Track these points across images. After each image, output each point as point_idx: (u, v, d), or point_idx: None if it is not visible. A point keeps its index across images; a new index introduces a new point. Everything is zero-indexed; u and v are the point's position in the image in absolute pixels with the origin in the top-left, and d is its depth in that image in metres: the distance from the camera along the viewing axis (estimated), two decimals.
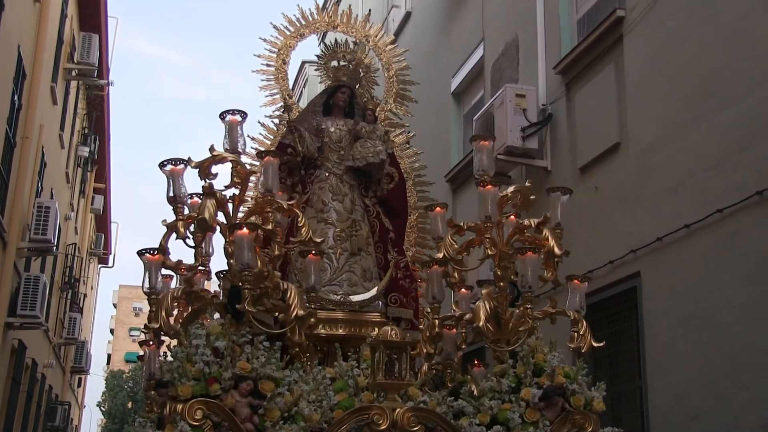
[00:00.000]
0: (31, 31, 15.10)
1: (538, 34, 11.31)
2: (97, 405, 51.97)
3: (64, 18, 18.38)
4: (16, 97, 14.05)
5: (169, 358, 6.47)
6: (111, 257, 34.13)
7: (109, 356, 68.66)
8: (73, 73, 19.99)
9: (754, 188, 7.28)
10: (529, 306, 6.71)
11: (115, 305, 73.76)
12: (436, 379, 7.38)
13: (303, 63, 26.38)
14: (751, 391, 7.17)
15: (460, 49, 14.34)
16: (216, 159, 6.85)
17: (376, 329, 7.32)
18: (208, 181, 6.78)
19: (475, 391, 6.75)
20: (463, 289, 7.44)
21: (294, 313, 6.57)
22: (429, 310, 7.35)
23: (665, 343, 8.28)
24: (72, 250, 22.66)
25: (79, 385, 34.36)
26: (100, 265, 34.93)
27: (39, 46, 15.47)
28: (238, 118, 6.97)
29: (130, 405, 48.16)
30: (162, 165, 6.88)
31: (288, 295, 6.63)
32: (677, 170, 8.35)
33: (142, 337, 7.55)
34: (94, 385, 63.34)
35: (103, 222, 31.53)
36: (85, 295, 28.17)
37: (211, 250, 7.59)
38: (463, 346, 7.39)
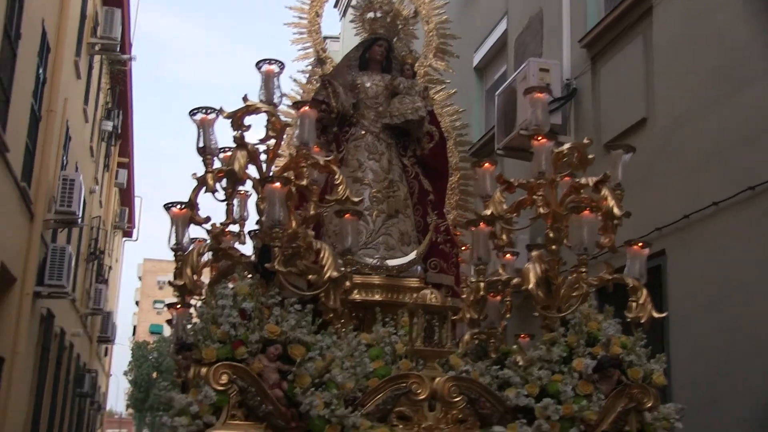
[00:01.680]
0: (55, 5, 14.56)
1: (563, 7, 10.68)
2: (124, 374, 51.72)
3: None
4: (40, 71, 13.56)
5: (195, 320, 5.73)
6: (135, 231, 33.58)
7: (134, 328, 68.42)
8: (96, 48, 19.21)
9: None
10: (584, 270, 5.91)
11: (140, 278, 73.30)
12: (478, 349, 6.64)
13: (324, 39, 25.53)
14: None
15: (482, 23, 13.70)
16: (250, 109, 6.15)
17: (415, 295, 6.59)
18: (240, 132, 6.01)
19: (521, 363, 5.98)
20: (508, 255, 6.68)
21: (327, 275, 5.85)
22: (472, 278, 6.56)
23: (690, 323, 7.71)
24: (97, 223, 22.05)
25: (105, 355, 33.80)
26: (124, 239, 34.34)
27: (62, 20, 14.86)
28: (275, 68, 6.27)
29: (155, 375, 47.76)
30: (192, 113, 6.19)
31: (321, 255, 5.87)
32: (706, 146, 7.78)
33: (169, 306, 6.83)
34: (120, 355, 63.07)
35: (126, 196, 30.75)
36: (110, 268, 27.62)
37: (246, 213, 6.99)
38: (508, 315, 6.62)
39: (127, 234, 33.51)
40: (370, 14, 8.32)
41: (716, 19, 7.84)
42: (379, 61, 8.18)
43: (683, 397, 7.41)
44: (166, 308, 7.09)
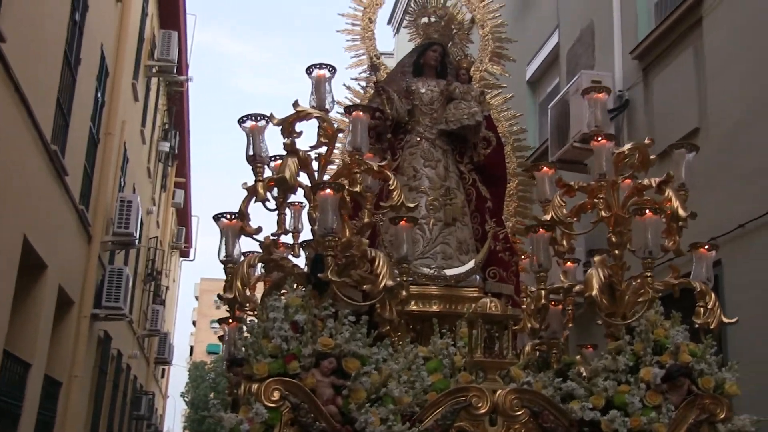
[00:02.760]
0: (114, 30, 14.75)
1: (614, 18, 10.67)
2: (181, 395, 51.76)
3: (145, 16, 17.98)
4: (99, 95, 13.68)
5: (245, 334, 5.53)
6: (192, 251, 33.73)
7: (191, 348, 68.61)
8: (154, 70, 19.43)
9: None
10: (649, 275, 5.62)
11: (197, 298, 73.43)
12: (540, 360, 6.38)
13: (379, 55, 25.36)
14: None
15: (534, 36, 13.60)
16: (300, 115, 5.96)
17: (474, 305, 6.37)
18: (290, 138, 5.84)
19: (585, 374, 5.72)
20: (569, 263, 6.41)
21: (383, 284, 5.59)
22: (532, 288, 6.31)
23: (748, 333, 7.43)
24: (154, 244, 22.17)
25: (162, 376, 33.91)
26: (181, 259, 34.49)
27: (121, 44, 15.08)
28: (326, 73, 6.09)
29: (212, 396, 47.77)
30: (241, 121, 6.03)
31: (376, 263, 5.64)
32: (760, 155, 7.67)
33: (220, 322, 6.67)
34: (178, 377, 63.20)
35: (183, 216, 30.96)
36: (167, 288, 27.60)
37: (300, 225, 6.79)
38: (570, 325, 6.36)
39: (184, 254, 33.66)
40: (424, 19, 8.09)
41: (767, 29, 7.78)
42: (434, 67, 7.94)
43: (748, 404, 7.22)
44: (219, 324, 6.92)
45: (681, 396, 5.41)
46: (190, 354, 64.79)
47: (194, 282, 74.68)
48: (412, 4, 8.27)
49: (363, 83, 8.02)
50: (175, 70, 20.06)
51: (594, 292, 5.71)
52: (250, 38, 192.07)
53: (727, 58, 8.35)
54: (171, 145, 23.41)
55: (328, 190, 5.51)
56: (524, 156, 8.38)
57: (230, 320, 6.36)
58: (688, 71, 9.00)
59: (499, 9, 8.53)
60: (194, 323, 73.05)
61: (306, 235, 6.47)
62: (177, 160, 26.50)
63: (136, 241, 15.78)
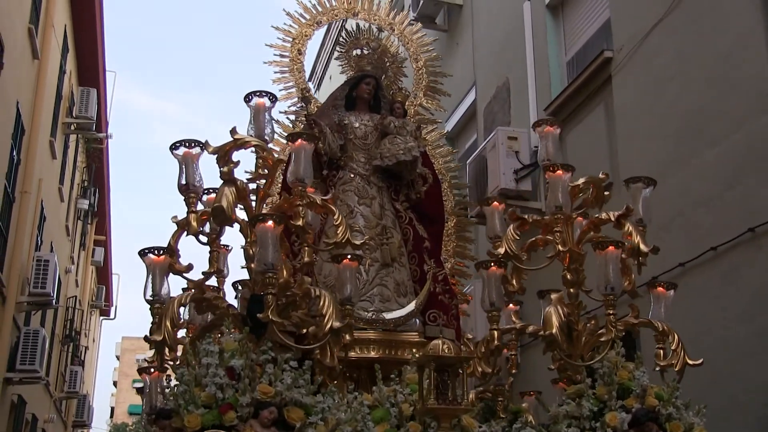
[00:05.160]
0: (30, 87, 14.13)
1: (528, 76, 10.57)
2: None
3: (63, 73, 17.31)
4: (14, 153, 13.02)
5: (174, 382, 4.70)
6: (113, 309, 32.25)
7: (112, 409, 65.87)
8: (72, 127, 18.70)
9: (746, 225, 6.59)
10: (612, 312, 5.00)
11: (118, 357, 70.75)
12: (485, 408, 5.69)
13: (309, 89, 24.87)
14: (749, 430, 6.33)
15: (452, 93, 13.05)
16: (238, 143, 5.25)
17: (414, 350, 5.82)
18: (227, 167, 5.17)
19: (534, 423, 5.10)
20: (512, 305, 5.79)
21: (329, 325, 4.82)
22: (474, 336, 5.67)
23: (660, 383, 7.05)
24: (72, 303, 21.13)
25: None
26: (101, 318, 33.00)
27: (38, 101, 14.46)
28: (266, 101, 5.43)
29: None
30: (174, 147, 5.29)
31: (321, 303, 4.88)
32: (669, 208, 7.57)
33: (141, 372, 5.79)
34: None
35: (104, 274, 29.60)
36: (86, 348, 26.34)
37: (226, 270, 5.98)
38: (513, 371, 5.70)
39: (105, 313, 32.19)
40: (357, 51, 7.42)
41: (672, 87, 7.77)
42: (367, 100, 7.24)
43: None
44: (139, 374, 6.02)
45: None
46: (111, 416, 62.19)
47: (115, 341, 72.13)
48: (344, 35, 7.60)
49: (292, 117, 7.29)
50: (94, 128, 19.29)
51: (554, 330, 5.05)
52: (172, 95, 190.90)
53: (634, 115, 8.29)
54: (90, 203, 22.42)
55: (269, 222, 4.76)
56: (462, 194, 7.76)
57: (153, 369, 5.52)
58: (600, 127, 8.91)
59: (432, 42, 7.97)
60: (115, 383, 70.25)
61: (230, 280, 5.77)
62: (97, 217, 25.50)
63: (54, 301, 14.91)
